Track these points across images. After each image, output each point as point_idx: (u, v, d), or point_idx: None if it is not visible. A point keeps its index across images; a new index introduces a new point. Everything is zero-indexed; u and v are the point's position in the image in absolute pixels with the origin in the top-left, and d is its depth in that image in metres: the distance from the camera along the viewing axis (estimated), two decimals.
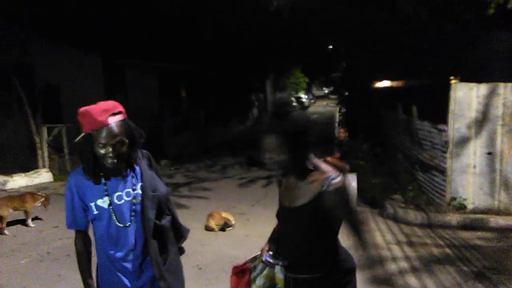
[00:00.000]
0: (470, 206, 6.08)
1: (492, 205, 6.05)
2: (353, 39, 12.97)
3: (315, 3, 10.37)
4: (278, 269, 2.04)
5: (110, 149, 1.83)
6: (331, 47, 22.99)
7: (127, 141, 1.88)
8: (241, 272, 2.12)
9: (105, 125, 1.82)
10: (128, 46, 14.71)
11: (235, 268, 2.18)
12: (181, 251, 2.29)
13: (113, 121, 1.84)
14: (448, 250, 4.98)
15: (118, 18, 14.26)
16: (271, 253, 2.00)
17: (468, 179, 6.11)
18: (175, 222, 2.20)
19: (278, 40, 20.67)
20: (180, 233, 2.25)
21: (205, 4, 15.22)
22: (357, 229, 1.82)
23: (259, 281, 2.07)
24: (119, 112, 1.89)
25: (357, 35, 12.19)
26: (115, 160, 1.86)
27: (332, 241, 1.90)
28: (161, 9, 15.24)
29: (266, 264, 1.99)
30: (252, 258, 2.18)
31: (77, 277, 2.02)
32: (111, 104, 1.90)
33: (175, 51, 16.96)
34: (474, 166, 6.08)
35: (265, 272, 2.08)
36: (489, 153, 6.03)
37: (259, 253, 2.15)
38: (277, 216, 2.06)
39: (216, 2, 14.69)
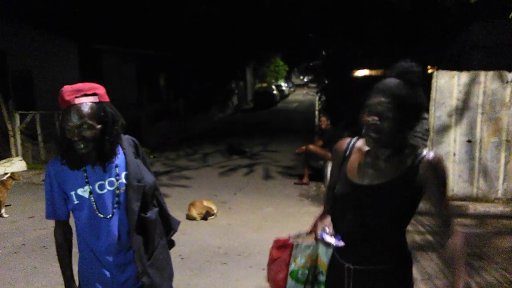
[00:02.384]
0: (449, 193, 6.11)
1: (471, 192, 6.14)
2: (334, 27, 12.95)
3: None
4: (323, 251, 1.81)
5: (75, 131, 1.68)
6: (311, 35, 22.96)
7: (97, 126, 1.71)
8: (283, 247, 1.93)
9: (71, 105, 1.68)
10: (106, 31, 14.31)
11: (276, 241, 1.98)
12: (171, 244, 2.18)
13: (82, 101, 1.69)
14: (429, 237, 5.03)
15: (95, 2, 13.83)
16: (327, 230, 1.66)
17: (448, 166, 6.16)
18: (164, 214, 2.09)
19: (259, 27, 20.51)
20: (169, 225, 2.13)
21: None
22: (449, 224, 1.60)
23: (300, 259, 1.87)
24: (94, 94, 1.73)
25: (338, 23, 12.17)
26: (81, 145, 1.70)
27: (405, 228, 1.68)
28: None
29: (323, 243, 1.66)
30: (296, 235, 1.96)
31: (54, 269, 1.92)
32: (87, 85, 1.75)
33: (154, 37, 16.63)
34: (454, 154, 6.15)
35: (308, 251, 1.86)
36: (469, 141, 6.10)
37: (303, 231, 1.93)
38: (338, 195, 1.71)
39: None
